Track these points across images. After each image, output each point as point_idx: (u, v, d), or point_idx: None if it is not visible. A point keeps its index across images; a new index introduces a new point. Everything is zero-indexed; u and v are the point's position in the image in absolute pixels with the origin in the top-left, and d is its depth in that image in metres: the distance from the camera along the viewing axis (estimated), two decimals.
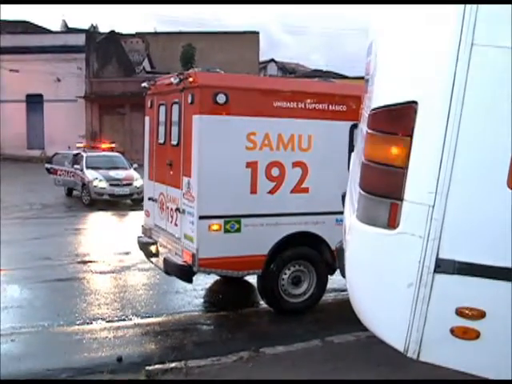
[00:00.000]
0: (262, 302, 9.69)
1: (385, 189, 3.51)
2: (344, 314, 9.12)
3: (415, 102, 3.36)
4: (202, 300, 10.34)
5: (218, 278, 10.81)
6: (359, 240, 3.79)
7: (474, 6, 3.20)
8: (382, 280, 3.62)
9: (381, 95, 3.59)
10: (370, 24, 4.66)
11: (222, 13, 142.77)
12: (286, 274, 9.08)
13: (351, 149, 8.83)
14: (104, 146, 26.82)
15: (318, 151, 8.95)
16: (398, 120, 3.45)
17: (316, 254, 9.29)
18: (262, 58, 62.00)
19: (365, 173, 3.68)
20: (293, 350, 7.42)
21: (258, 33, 58.88)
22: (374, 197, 3.58)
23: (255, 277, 9.56)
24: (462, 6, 3.22)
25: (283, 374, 6.66)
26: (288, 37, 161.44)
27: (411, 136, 3.38)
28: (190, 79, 8.37)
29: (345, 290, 10.27)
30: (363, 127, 4.22)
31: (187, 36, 54.22)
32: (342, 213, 7.88)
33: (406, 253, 3.47)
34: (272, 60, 67.54)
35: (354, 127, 8.86)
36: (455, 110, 3.29)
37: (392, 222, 3.48)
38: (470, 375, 3.70)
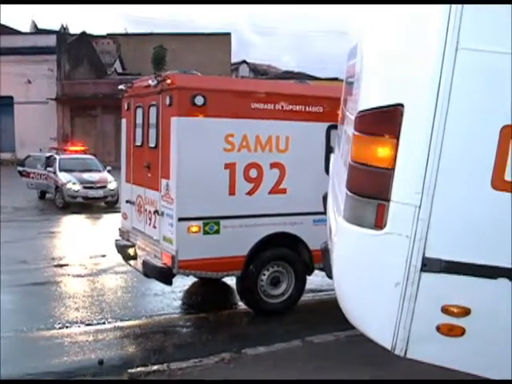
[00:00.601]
0: (240, 303, 9.72)
1: (372, 190, 3.56)
2: (322, 315, 9.32)
3: (401, 105, 3.41)
4: (180, 302, 10.34)
5: (195, 279, 10.81)
6: (346, 240, 3.83)
7: (460, 7, 3.25)
8: (370, 279, 3.67)
9: (367, 98, 3.63)
10: (354, 26, 4.71)
11: (194, 13, 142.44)
12: (264, 274, 9.12)
13: (328, 150, 8.93)
14: (73, 148, 26.44)
15: (295, 152, 9.01)
16: (384, 122, 3.49)
17: (294, 254, 9.35)
18: (234, 59, 62.06)
19: (352, 174, 3.72)
20: (274, 351, 7.46)
21: (229, 34, 58.95)
22: (360, 198, 3.62)
23: (233, 278, 9.60)
24: (448, 6, 3.27)
25: (265, 374, 6.70)
26: (258, 38, 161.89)
27: (398, 138, 3.43)
28: (168, 81, 8.37)
29: (322, 291, 10.47)
30: (348, 129, 4.27)
31: (158, 37, 54.12)
32: (319, 213, 7.99)
33: (393, 252, 3.52)
34: (244, 61, 67.58)
35: (330, 128, 8.95)
36: (441, 113, 3.35)
37: (379, 223, 3.52)
38: (456, 371, 3.77)
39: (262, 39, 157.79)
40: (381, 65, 3.61)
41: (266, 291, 9.16)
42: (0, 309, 9.25)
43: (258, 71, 68.01)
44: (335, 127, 7.83)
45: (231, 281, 10.34)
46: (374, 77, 3.65)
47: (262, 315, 9.18)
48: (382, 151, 3.50)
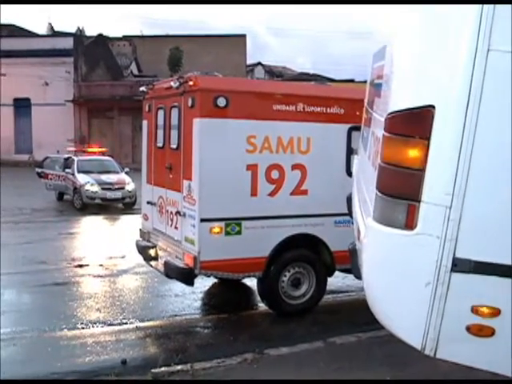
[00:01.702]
0: (261, 304, 9.73)
1: (402, 190, 3.58)
2: (343, 316, 9.34)
3: (432, 106, 3.43)
4: (201, 303, 10.37)
5: (215, 280, 10.85)
6: (377, 241, 3.85)
7: (491, 7, 3.27)
8: (400, 279, 3.69)
9: (398, 99, 3.65)
10: (383, 28, 4.73)
11: (205, 14, 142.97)
12: (285, 275, 9.13)
13: (350, 151, 8.96)
14: (91, 150, 26.85)
15: (317, 154, 9.02)
16: (415, 123, 3.52)
17: (315, 255, 9.36)
18: (249, 61, 62.14)
19: (382, 175, 3.74)
20: (296, 351, 7.48)
21: (244, 35, 59.13)
22: (391, 198, 3.64)
23: (252, 279, 9.63)
24: (479, 6, 3.28)
25: (288, 375, 6.72)
26: (273, 39, 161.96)
27: (429, 139, 3.45)
28: (191, 83, 8.40)
29: (342, 292, 10.47)
30: (376, 131, 4.28)
31: (174, 39, 54.39)
32: (341, 214, 8.02)
33: (424, 253, 3.55)
34: (259, 63, 67.56)
35: (351, 130, 8.98)
36: (471, 114, 3.37)
37: (410, 223, 3.55)
38: (484, 372, 3.79)
39: (277, 41, 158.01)
40: (411, 66, 3.63)
41: (286, 292, 9.17)
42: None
43: (274, 73, 68.00)
44: (357, 129, 7.87)
45: (250, 282, 10.38)
46: (404, 78, 3.67)
47: (283, 316, 9.18)
48: (413, 152, 3.52)
